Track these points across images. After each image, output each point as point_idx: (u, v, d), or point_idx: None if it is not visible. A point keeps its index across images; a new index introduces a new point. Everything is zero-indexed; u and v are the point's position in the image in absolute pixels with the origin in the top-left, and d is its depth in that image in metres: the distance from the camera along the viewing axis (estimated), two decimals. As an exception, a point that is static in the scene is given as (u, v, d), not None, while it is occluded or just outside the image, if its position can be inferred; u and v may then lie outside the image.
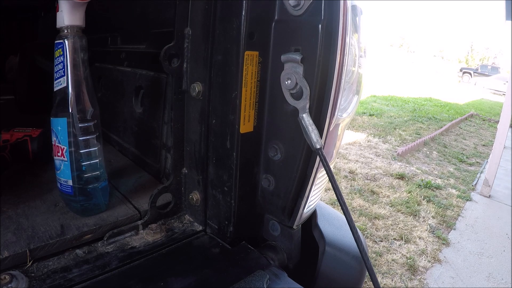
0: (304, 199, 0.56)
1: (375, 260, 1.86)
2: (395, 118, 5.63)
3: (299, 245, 0.61)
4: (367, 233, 2.10)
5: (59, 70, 0.54)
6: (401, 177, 3.00)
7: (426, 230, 2.19)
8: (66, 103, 0.54)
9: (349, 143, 3.89)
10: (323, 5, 0.46)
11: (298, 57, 0.47)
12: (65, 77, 0.53)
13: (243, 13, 0.49)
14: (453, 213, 2.48)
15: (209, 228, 0.62)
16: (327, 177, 0.47)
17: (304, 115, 0.48)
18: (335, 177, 0.39)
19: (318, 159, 0.51)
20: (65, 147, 0.55)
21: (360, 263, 0.66)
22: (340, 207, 0.37)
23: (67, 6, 0.51)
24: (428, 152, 3.94)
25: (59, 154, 0.56)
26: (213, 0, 0.52)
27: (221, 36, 0.52)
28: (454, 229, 2.26)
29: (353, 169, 3.04)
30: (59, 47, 0.53)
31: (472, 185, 3.06)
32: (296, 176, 0.53)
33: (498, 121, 2.91)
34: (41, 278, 0.46)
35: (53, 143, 0.56)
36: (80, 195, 0.57)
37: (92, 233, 0.55)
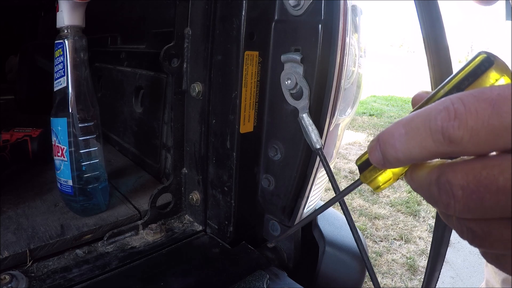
0: (304, 199, 0.56)
1: (375, 260, 1.86)
2: (395, 118, 5.64)
3: (299, 245, 0.61)
4: (367, 233, 2.10)
5: (59, 70, 0.54)
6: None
7: (426, 230, 2.19)
8: (66, 103, 0.54)
9: (349, 143, 3.89)
10: (323, 5, 0.46)
11: (298, 57, 0.47)
12: (65, 77, 0.53)
13: (243, 13, 0.49)
14: (453, 213, 2.47)
15: (209, 228, 0.62)
16: (327, 177, 0.47)
17: (304, 115, 0.48)
18: (335, 177, 0.39)
19: (318, 159, 0.51)
20: (65, 147, 0.55)
21: (360, 263, 0.67)
22: (340, 207, 0.37)
23: (67, 6, 0.51)
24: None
25: (59, 154, 0.56)
26: (213, 0, 0.52)
27: (221, 36, 0.52)
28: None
29: (353, 169, 3.04)
30: (59, 47, 0.53)
31: (472, 185, 3.05)
32: (296, 176, 0.53)
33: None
34: (41, 278, 0.46)
35: (53, 143, 0.56)
36: (80, 195, 0.57)
37: (92, 233, 0.55)
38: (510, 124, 0.16)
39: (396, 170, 0.23)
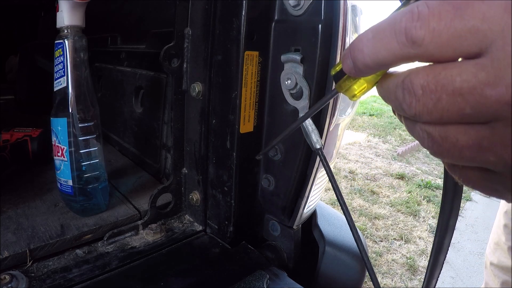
0: (304, 199, 0.56)
1: (375, 260, 1.86)
2: (395, 118, 5.63)
3: (299, 245, 0.61)
4: (367, 233, 2.10)
5: (59, 70, 0.54)
6: (401, 177, 3.00)
7: (426, 230, 2.20)
8: (66, 103, 0.54)
9: (349, 143, 3.89)
10: (323, 5, 0.46)
11: (298, 57, 0.47)
12: (65, 77, 0.53)
13: (243, 13, 0.49)
14: (453, 213, 2.47)
15: (209, 228, 0.62)
16: (327, 177, 0.47)
17: (304, 115, 0.48)
18: (335, 177, 0.39)
19: (318, 159, 0.51)
20: (65, 147, 0.55)
21: (360, 263, 0.66)
22: (340, 207, 0.37)
23: (67, 6, 0.51)
24: (428, 152, 3.93)
25: (59, 154, 0.56)
26: (213, 0, 0.52)
27: (221, 36, 0.52)
28: (454, 229, 2.26)
29: (353, 169, 3.04)
30: (59, 47, 0.53)
31: (472, 185, 3.05)
32: (296, 176, 0.53)
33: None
34: (41, 278, 0.46)
35: (53, 143, 0.56)
36: (80, 195, 0.57)
37: (92, 233, 0.55)
38: (473, 27, 0.16)
39: (369, 77, 0.22)
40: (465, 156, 0.18)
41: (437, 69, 0.17)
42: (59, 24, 0.53)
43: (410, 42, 0.18)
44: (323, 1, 0.46)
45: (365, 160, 3.35)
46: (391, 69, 0.21)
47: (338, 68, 0.24)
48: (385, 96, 0.21)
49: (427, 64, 0.18)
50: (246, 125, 0.54)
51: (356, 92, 0.24)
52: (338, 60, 0.47)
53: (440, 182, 3.00)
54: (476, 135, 0.17)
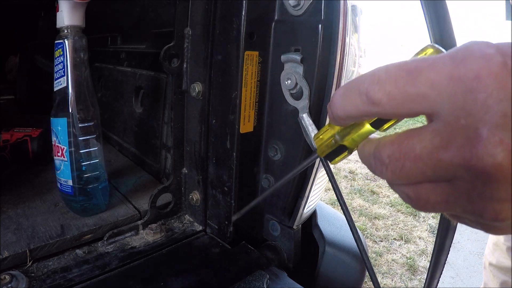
0: (304, 199, 0.56)
1: (375, 260, 1.86)
2: (395, 118, 5.61)
3: (299, 245, 0.61)
4: (367, 233, 2.10)
5: (59, 70, 0.54)
6: (401, 177, 3.00)
7: (426, 230, 2.20)
8: (66, 103, 0.54)
9: (349, 143, 3.89)
10: (323, 5, 0.46)
11: (298, 57, 0.47)
12: (65, 77, 0.53)
13: (243, 13, 0.49)
14: (453, 213, 2.47)
15: (209, 228, 0.62)
16: (327, 177, 0.47)
17: (304, 115, 0.48)
18: (335, 177, 0.39)
19: (318, 159, 0.51)
20: (65, 147, 0.55)
21: (360, 263, 0.66)
22: (340, 207, 0.37)
23: (67, 6, 0.51)
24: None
25: (59, 154, 0.56)
26: (213, 0, 0.52)
27: (221, 36, 0.52)
28: (455, 230, 2.25)
29: (353, 169, 3.04)
30: (59, 47, 0.53)
31: (472, 185, 3.05)
32: (296, 176, 0.53)
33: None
34: (41, 278, 0.46)
35: (53, 143, 0.56)
36: (80, 195, 0.57)
37: (92, 233, 0.55)
38: (423, 93, 0.18)
39: (347, 144, 0.26)
40: (438, 210, 0.20)
41: (401, 139, 0.20)
42: (59, 24, 0.53)
43: (370, 102, 0.20)
44: (323, 1, 0.46)
45: (365, 160, 3.34)
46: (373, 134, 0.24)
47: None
48: (363, 162, 0.24)
49: (394, 133, 0.21)
50: (246, 125, 0.54)
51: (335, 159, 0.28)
52: (338, 61, 0.47)
53: (440, 182, 3.00)
54: (442, 192, 0.19)
